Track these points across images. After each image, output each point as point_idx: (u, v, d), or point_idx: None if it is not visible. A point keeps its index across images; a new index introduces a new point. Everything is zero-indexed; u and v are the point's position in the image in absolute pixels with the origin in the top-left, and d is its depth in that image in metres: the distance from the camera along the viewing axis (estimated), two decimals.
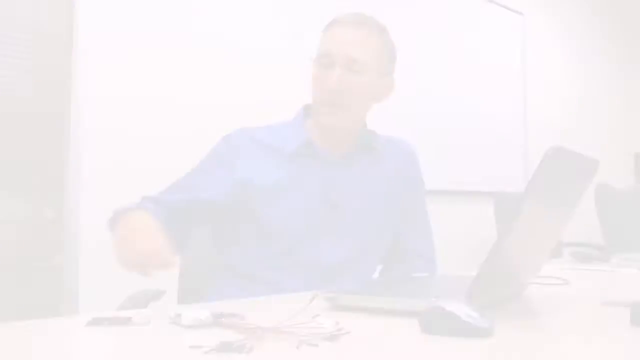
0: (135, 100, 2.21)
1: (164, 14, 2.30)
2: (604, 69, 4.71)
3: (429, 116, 3.27)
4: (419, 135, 3.21)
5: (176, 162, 1.29)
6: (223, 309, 0.86)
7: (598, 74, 4.65)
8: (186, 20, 2.36)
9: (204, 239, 1.36)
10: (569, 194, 0.96)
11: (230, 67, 2.43)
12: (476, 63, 3.57)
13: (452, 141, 3.39)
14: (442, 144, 3.33)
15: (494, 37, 3.71)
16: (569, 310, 0.93)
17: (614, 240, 2.67)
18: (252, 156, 1.23)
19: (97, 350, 0.68)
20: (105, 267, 2.05)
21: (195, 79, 2.36)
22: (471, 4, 3.57)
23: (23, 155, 2.06)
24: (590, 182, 1.00)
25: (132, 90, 2.20)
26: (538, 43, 4.08)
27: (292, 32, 2.63)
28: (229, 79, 2.42)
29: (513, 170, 3.78)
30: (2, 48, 2.02)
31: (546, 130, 4.06)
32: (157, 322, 0.81)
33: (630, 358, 0.63)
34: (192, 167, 1.29)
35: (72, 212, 2.06)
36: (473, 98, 3.53)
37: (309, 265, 1.22)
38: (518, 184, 3.74)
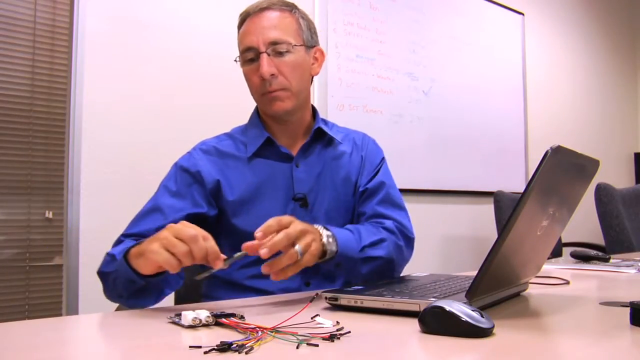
0: (136, 102, 2.20)
1: (164, 15, 2.30)
2: (604, 68, 4.71)
3: (429, 116, 3.27)
4: (420, 135, 3.22)
5: None
6: (223, 309, 0.86)
7: (598, 73, 4.65)
8: (187, 21, 2.35)
9: None
10: (569, 193, 0.96)
11: (231, 71, 2.43)
12: (477, 63, 3.57)
13: (453, 141, 3.39)
14: (442, 144, 3.33)
15: (494, 37, 3.71)
16: (569, 310, 0.93)
17: (614, 240, 2.67)
18: (217, 169, 1.22)
19: (97, 350, 0.68)
20: None
21: (196, 81, 2.36)
22: (472, 4, 3.57)
23: (23, 156, 2.06)
24: (590, 182, 1.00)
25: (132, 91, 2.20)
26: (538, 43, 4.08)
27: None
28: (229, 83, 2.42)
29: (513, 170, 3.79)
30: (2, 48, 2.02)
31: (546, 131, 4.07)
32: (157, 322, 0.81)
33: (630, 358, 0.63)
34: (158, 190, 1.21)
35: (73, 212, 2.06)
36: (473, 98, 3.53)
37: None
38: (518, 183, 3.74)
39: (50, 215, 2.09)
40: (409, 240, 1.28)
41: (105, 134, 2.13)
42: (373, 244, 1.15)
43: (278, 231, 0.92)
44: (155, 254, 0.86)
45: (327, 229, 1.07)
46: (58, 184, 2.10)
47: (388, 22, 3.09)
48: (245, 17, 1.23)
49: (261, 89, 1.20)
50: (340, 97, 2.83)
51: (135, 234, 1.12)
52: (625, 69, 4.96)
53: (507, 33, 3.81)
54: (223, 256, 0.88)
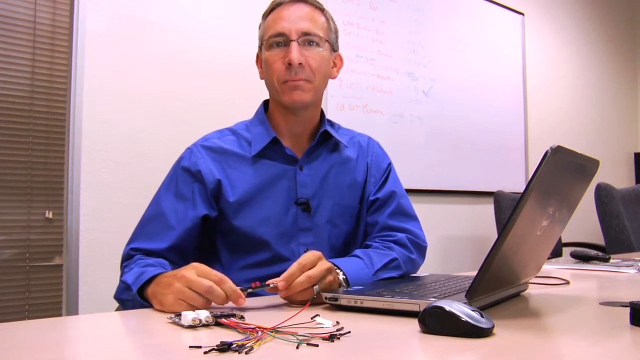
0: (136, 102, 2.21)
1: (165, 15, 2.30)
2: (604, 68, 4.71)
3: (429, 116, 3.27)
4: (420, 136, 3.22)
5: None
6: (223, 309, 0.86)
7: (598, 73, 4.65)
8: (187, 20, 2.36)
9: None
10: (569, 193, 0.96)
11: (232, 70, 2.43)
12: (477, 63, 3.57)
13: (453, 141, 3.39)
14: (442, 144, 3.33)
15: (494, 37, 3.71)
16: (569, 310, 0.93)
17: (614, 240, 2.67)
18: (218, 168, 1.20)
19: (97, 350, 0.68)
20: (105, 267, 2.06)
21: (197, 80, 2.36)
22: (472, 4, 3.57)
23: (23, 156, 2.06)
24: (590, 182, 1.00)
25: (132, 91, 2.20)
26: (538, 43, 4.08)
27: None
28: (231, 83, 2.42)
29: (513, 170, 3.79)
30: (2, 48, 2.02)
31: (546, 131, 4.07)
32: (157, 322, 0.81)
33: (630, 358, 0.63)
34: (160, 190, 1.21)
35: (73, 212, 2.06)
36: (473, 98, 3.53)
37: None
38: (518, 183, 3.74)
39: (50, 215, 2.09)
40: (421, 249, 1.29)
41: (105, 134, 2.13)
42: (385, 266, 1.16)
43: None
44: (175, 307, 0.86)
45: (339, 268, 1.06)
46: (58, 184, 2.10)
47: (388, 22, 3.09)
48: (276, 6, 1.22)
49: (283, 76, 1.18)
50: (340, 97, 2.83)
51: (143, 250, 1.12)
52: (625, 69, 4.96)
53: (507, 33, 3.81)
54: (243, 294, 0.88)
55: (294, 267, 0.94)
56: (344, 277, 1.06)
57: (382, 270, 1.15)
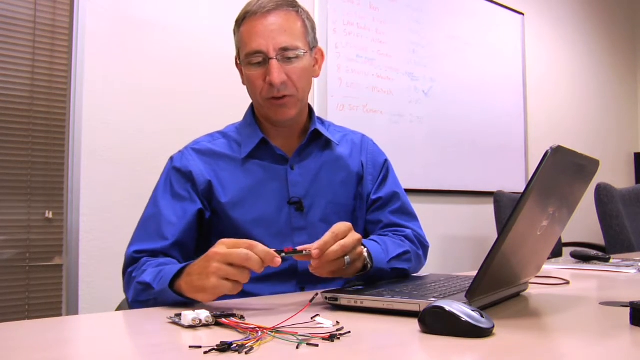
0: (136, 102, 2.21)
1: (164, 15, 2.30)
2: (604, 68, 4.71)
3: (429, 116, 3.27)
4: (420, 136, 3.22)
5: None
6: (223, 309, 0.86)
7: (598, 73, 4.65)
8: (187, 20, 2.36)
9: None
10: (569, 193, 0.96)
11: (231, 70, 2.43)
12: (477, 63, 3.57)
13: (452, 141, 3.39)
14: (442, 144, 3.33)
15: (494, 37, 3.71)
16: (569, 310, 0.93)
17: (614, 240, 2.67)
18: (209, 169, 1.20)
19: (97, 350, 0.68)
20: (105, 267, 2.05)
21: (197, 80, 2.36)
22: (472, 4, 3.57)
23: (23, 156, 2.06)
24: (590, 182, 1.00)
25: (132, 91, 2.20)
26: (538, 43, 4.08)
27: None
28: (230, 83, 2.42)
29: (513, 170, 3.79)
30: (2, 48, 2.02)
31: (546, 131, 4.07)
32: (157, 322, 0.81)
33: (630, 358, 0.63)
34: (157, 192, 1.20)
35: (73, 212, 2.06)
36: (473, 98, 3.53)
37: (286, 272, 1.17)
38: (518, 183, 3.74)
39: (50, 215, 2.09)
40: (425, 248, 1.32)
41: (105, 134, 2.13)
42: (399, 257, 1.16)
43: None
44: (220, 288, 0.87)
45: (363, 245, 1.08)
46: (58, 184, 2.10)
47: (388, 22, 3.09)
48: (248, 15, 1.17)
49: (267, 94, 1.17)
50: (340, 97, 2.83)
51: (148, 251, 1.11)
52: (625, 68, 4.96)
53: (507, 33, 3.81)
54: (277, 255, 0.88)
55: (327, 236, 0.94)
56: (367, 250, 1.07)
57: (396, 260, 1.15)
